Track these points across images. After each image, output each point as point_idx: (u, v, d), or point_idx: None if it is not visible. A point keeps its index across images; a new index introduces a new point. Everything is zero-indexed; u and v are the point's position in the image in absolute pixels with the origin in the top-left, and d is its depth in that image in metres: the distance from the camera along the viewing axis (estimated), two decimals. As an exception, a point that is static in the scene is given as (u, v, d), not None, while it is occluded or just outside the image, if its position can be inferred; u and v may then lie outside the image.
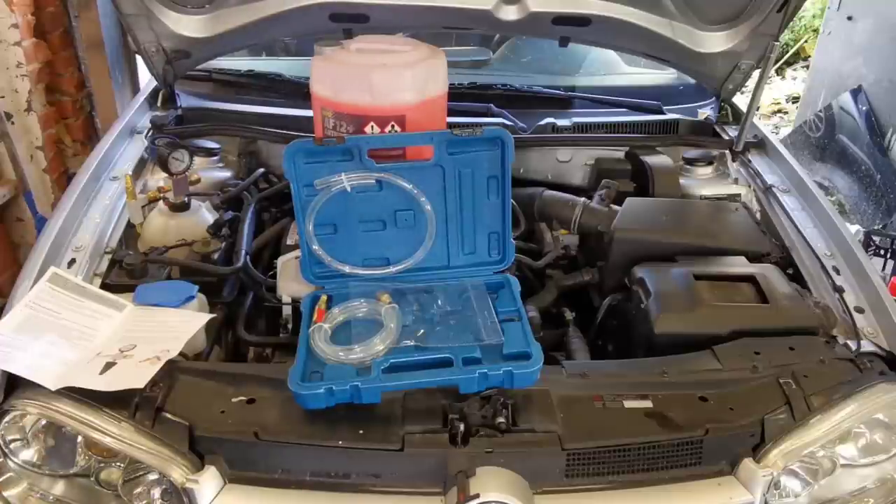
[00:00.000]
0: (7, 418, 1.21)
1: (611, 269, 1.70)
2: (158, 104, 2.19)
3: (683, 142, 2.20)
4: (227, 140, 2.10)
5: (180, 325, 1.38)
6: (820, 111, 4.55)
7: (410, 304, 1.39)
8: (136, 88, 3.44)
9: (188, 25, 1.92)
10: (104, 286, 1.49)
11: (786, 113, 6.20)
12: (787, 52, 6.78)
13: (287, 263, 1.59)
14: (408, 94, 1.52)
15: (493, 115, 2.23)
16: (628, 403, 1.25)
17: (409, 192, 1.43)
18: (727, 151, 2.15)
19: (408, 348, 1.28)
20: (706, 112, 2.36)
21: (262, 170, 2.04)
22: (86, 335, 1.34)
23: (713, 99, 2.37)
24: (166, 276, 1.59)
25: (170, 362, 1.27)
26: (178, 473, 1.16)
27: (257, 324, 1.71)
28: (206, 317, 1.43)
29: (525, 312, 1.37)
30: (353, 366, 1.23)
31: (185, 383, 1.26)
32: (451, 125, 1.51)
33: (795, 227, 1.75)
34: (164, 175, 1.79)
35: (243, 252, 1.66)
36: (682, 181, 2.07)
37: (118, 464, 1.23)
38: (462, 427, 1.18)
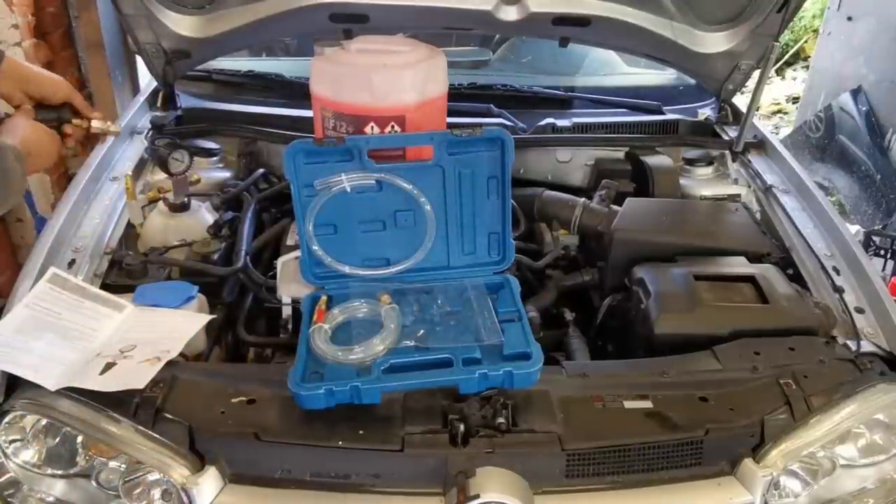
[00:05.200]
0: (7, 419, 1.21)
1: (611, 270, 1.70)
2: (158, 104, 2.19)
3: (683, 142, 2.20)
4: (226, 140, 2.10)
5: (181, 325, 1.38)
6: (820, 111, 4.55)
7: (410, 305, 1.39)
8: (136, 88, 3.44)
9: (188, 25, 1.92)
10: (104, 286, 1.49)
11: (786, 113, 6.19)
12: (787, 52, 6.78)
13: (287, 264, 1.59)
14: (408, 94, 1.52)
15: (493, 116, 2.23)
16: (628, 404, 1.25)
17: (409, 193, 1.43)
18: (727, 152, 2.14)
19: (408, 349, 1.28)
20: (706, 112, 2.36)
21: (262, 170, 2.04)
22: (86, 335, 1.34)
23: (713, 99, 2.37)
24: (166, 276, 1.59)
25: (170, 363, 1.27)
26: (178, 474, 1.16)
27: (257, 324, 1.71)
28: (206, 318, 1.43)
29: (525, 313, 1.37)
30: (353, 366, 1.23)
31: (185, 384, 1.26)
32: (451, 125, 1.51)
33: (795, 227, 1.74)
34: (164, 175, 1.79)
35: (243, 252, 1.66)
36: (681, 181, 2.07)
37: (119, 464, 1.23)
38: (462, 427, 1.18)
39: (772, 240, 1.75)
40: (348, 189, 1.41)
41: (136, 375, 1.22)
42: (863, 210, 3.95)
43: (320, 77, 1.58)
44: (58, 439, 1.24)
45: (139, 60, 2.87)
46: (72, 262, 1.50)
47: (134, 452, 1.18)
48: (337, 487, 1.19)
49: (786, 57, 6.76)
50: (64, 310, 1.37)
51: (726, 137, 2.19)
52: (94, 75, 3.16)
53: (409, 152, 1.50)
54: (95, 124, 1.54)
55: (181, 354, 1.32)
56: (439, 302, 1.40)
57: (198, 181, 1.94)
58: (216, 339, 1.57)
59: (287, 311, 1.58)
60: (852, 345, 1.39)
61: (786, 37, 6.36)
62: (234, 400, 1.23)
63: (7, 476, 1.25)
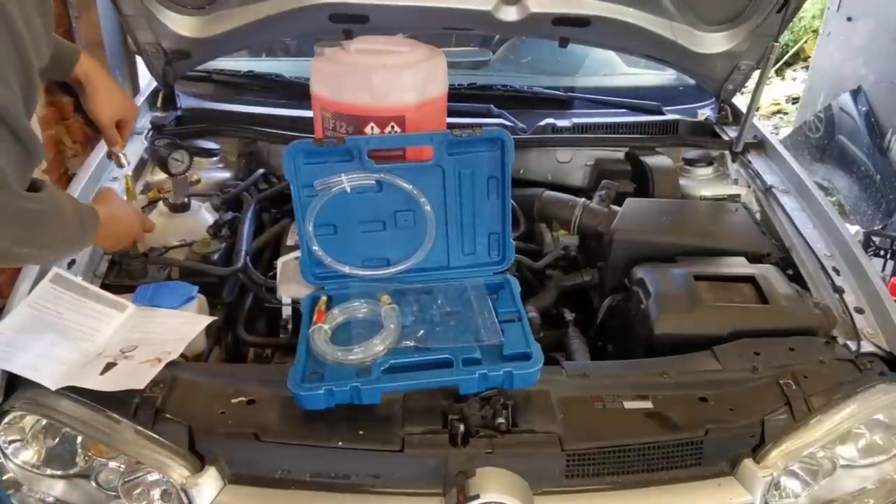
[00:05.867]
0: (7, 419, 1.21)
1: (611, 270, 1.70)
2: (158, 105, 2.19)
3: (683, 142, 2.20)
4: (226, 141, 2.10)
5: (182, 326, 1.38)
6: (819, 112, 4.55)
7: (410, 305, 1.39)
8: (136, 89, 3.43)
9: (188, 26, 1.92)
10: (104, 287, 1.49)
11: (785, 113, 6.19)
12: (787, 52, 6.78)
13: (287, 264, 1.59)
14: (408, 94, 1.52)
15: (493, 116, 2.23)
16: (628, 404, 1.25)
17: (409, 193, 1.43)
18: (727, 152, 2.14)
19: (408, 349, 1.27)
20: (706, 113, 2.36)
21: (261, 170, 2.04)
22: (87, 335, 1.34)
23: (713, 99, 2.37)
24: (166, 276, 1.59)
25: (170, 363, 1.27)
26: (177, 474, 1.17)
27: (257, 325, 1.71)
28: (207, 319, 1.43)
29: (525, 313, 1.37)
30: (353, 366, 1.23)
31: (185, 384, 1.26)
32: (451, 126, 1.51)
33: (795, 227, 1.74)
34: (164, 175, 1.79)
35: (243, 253, 1.66)
36: (681, 182, 2.07)
37: (118, 465, 1.23)
38: (462, 428, 1.18)
39: (772, 240, 1.75)
40: (348, 189, 1.41)
41: (135, 376, 1.22)
42: (862, 210, 3.95)
43: (320, 77, 1.58)
44: (57, 440, 1.24)
45: (139, 60, 2.87)
46: (72, 263, 1.49)
47: (133, 453, 1.18)
48: (337, 488, 1.19)
49: (785, 57, 6.76)
50: (66, 309, 1.37)
51: (726, 138, 2.19)
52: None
53: (409, 152, 1.50)
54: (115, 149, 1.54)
55: (181, 355, 1.32)
56: (439, 302, 1.40)
57: (198, 181, 1.94)
58: (216, 339, 1.57)
59: (287, 312, 1.58)
60: (852, 345, 1.39)
61: (785, 37, 6.35)
62: (234, 400, 1.23)
63: (7, 476, 1.25)
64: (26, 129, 0.97)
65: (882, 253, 3.20)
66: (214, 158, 2.07)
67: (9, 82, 0.93)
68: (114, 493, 1.23)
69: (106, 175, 1.84)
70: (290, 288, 1.56)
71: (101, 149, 1.88)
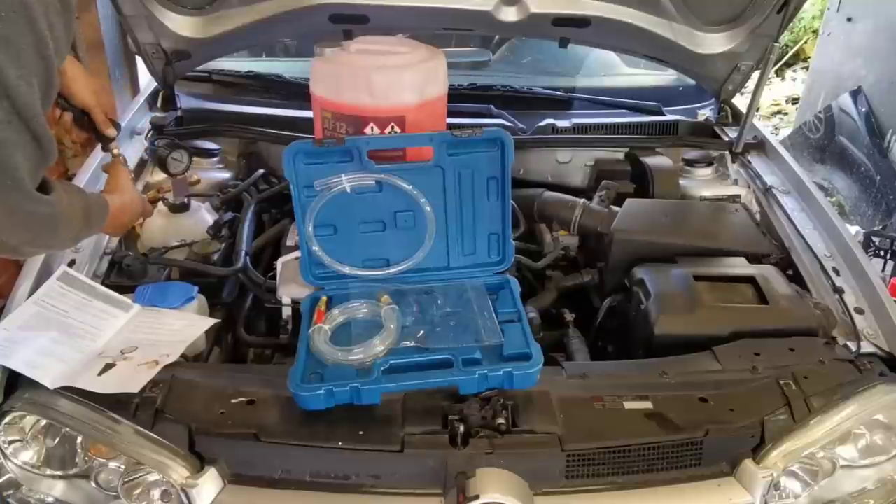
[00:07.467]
0: (7, 419, 1.21)
1: (611, 270, 1.70)
2: (158, 105, 2.19)
3: (683, 143, 2.20)
4: (226, 141, 2.10)
5: (184, 329, 1.38)
6: (819, 112, 4.55)
7: (410, 305, 1.39)
8: (136, 89, 3.44)
9: (188, 26, 1.92)
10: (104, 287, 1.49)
11: (785, 114, 6.19)
12: (787, 53, 6.78)
13: (287, 264, 1.59)
14: (407, 94, 1.52)
15: (493, 116, 2.23)
16: (628, 404, 1.25)
17: (409, 193, 1.43)
18: (727, 152, 2.15)
19: (408, 349, 1.28)
20: (706, 113, 2.36)
21: (261, 171, 2.04)
22: (90, 335, 1.34)
23: (713, 100, 2.37)
24: (166, 277, 1.59)
25: (170, 364, 1.27)
26: (177, 474, 1.17)
27: (257, 325, 1.71)
28: (210, 321, 1.43)
29: (525, 313, 1.37)
30: (353, 367, 1.23)
31: (185, 384, 1.26)
32: (450, 126, 1.51)
33: (795, 228, 1.74)
34: (164, 176, 1.79)
35: (243, 253, 1.66)
36: (681, 182, 2.07)
37: (118, 465, 1.23)
38: (462, 428, 1.18)
39: (771, 240, 1.75)
40: (348, 190, 1.41)
41: (131, 379, 1.22)
42: (862, 211, 3.95)
43: (320, 78, 1.58)
44: (57, 440, 1.24)
45: (139, 60, 2.87)
46: (71, 263, 1.49)
47: (133, 453, 1.18)
48: (337, 488, 1.19)
49: (785, 58, 6.76)
50: (71, 308, 1.37)
51: (726, 138, 2.19)
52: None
53: (409, 153, 1.51)
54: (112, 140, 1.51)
55: (181, 355, 1.32)
56: (439, 302, 1.40)
57: (197, 182, 1.94)
58: (216, 339, 1.57)
59: (287, 312, 1.58)
60: (852, 345, 1.39)
61: (785, 38, 6.33)
62: (234, 400, 1.23)
63: (6, 476, 1.25)
64: (43, 129, 0.99)
65: (882, 253, 3.20)
66: (214, 158, 2.07)
67: (31, 82, 0.95)
68: (114, 494, 1.23)
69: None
70: (290, 288, 1.56)
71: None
